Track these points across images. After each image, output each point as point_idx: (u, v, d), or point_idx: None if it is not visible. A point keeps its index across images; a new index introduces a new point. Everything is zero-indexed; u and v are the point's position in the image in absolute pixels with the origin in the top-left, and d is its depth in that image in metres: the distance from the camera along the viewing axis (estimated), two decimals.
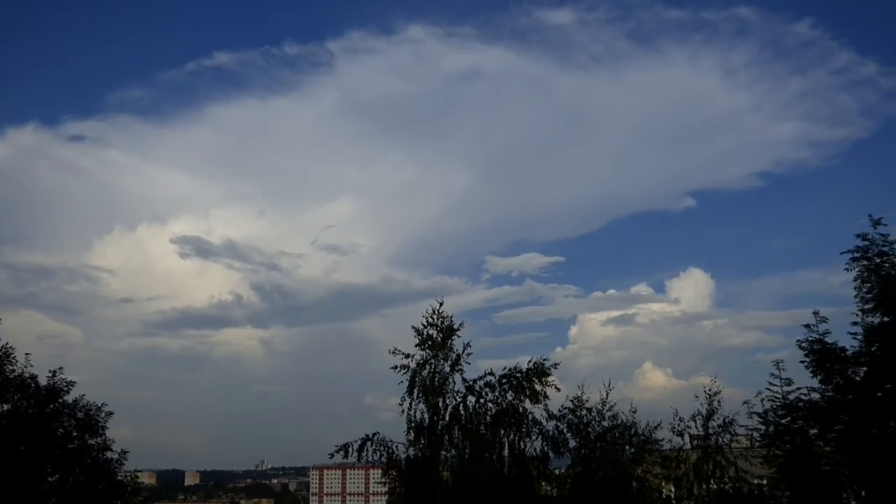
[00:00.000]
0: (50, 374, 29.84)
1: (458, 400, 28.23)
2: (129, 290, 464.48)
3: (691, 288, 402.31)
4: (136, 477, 33.95)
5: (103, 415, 30.42)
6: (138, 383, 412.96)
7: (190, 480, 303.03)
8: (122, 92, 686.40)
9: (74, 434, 29.95)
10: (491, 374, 28.44)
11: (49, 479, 29.54)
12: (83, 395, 30.59)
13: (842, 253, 22.73)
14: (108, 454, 30.61)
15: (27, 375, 29.44)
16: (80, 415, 30.03)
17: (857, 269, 22.32)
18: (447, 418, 28.08)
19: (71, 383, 30.22)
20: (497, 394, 28.17)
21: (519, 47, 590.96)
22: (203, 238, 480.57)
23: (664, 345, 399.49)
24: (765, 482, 24.77)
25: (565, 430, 28.08)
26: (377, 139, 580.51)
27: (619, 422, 28.15)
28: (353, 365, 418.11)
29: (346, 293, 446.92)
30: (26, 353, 29.82)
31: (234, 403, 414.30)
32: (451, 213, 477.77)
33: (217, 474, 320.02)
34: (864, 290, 21.96)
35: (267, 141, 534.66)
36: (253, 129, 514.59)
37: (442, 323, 28.59)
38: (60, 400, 29.82)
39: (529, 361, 28.33)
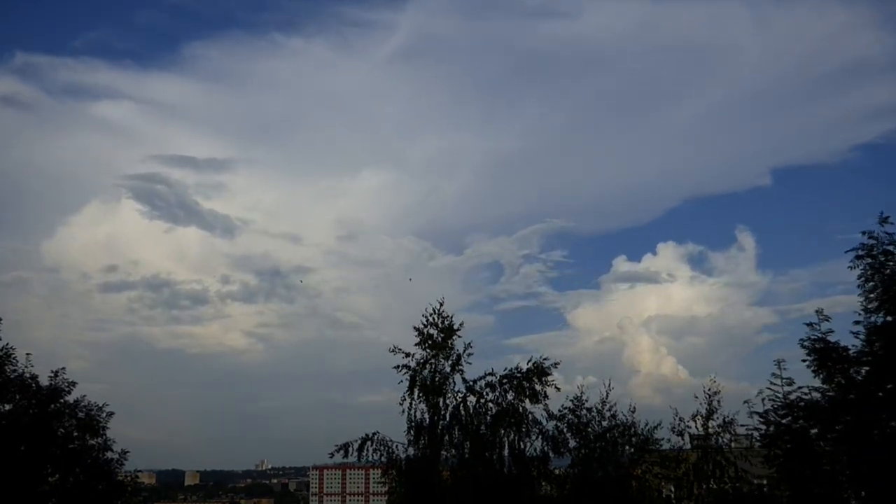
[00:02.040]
0: (52, 375, 29.83)
1: (459, 400, 28.42)
2: None
3: None
4: (136, 477, 34.16)
5: (104, 415, 30.31)
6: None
7: (190, 481, 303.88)
8: None
9: (75, 434, 29.89)
10: (491, 373, 28.60)
11: (49, 479, 29.45)
12: (84, 395, 30.51)
13: (846, 251, 22.36)
14: (109, 454, 30.50)
15: (28, 376, 29.34)
16: (80, 415, 29.90)
17: (861, 268, 21.84)
18: (447, 418, 28.24)
19: (72, 383, 30.19)
20: (497, 394, 28.30)
21: None
22: None
23: None
24: (765, 482, 24.71)
25: (565, 430, 28.13)
26: None
27: (618, 421, 28.18)
28: None
29: None
30: (27, 353, 29.80)
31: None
32: None
33: (217, 474, 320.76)
34: (868, 288, 21.67)
35: None
36: None
37: (442, 322, 28.75)
38: (62, 400, 29.74)
39: (529, 361, 28.47)
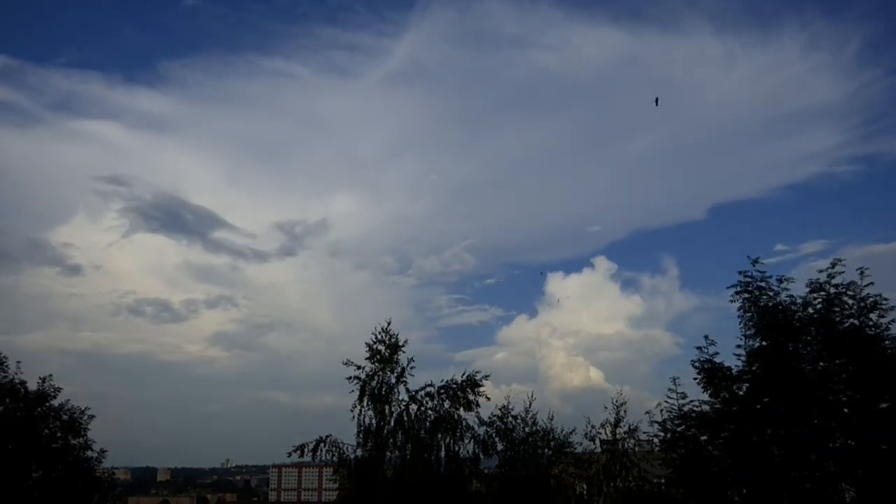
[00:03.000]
0: (40, 381, 31.01)
1: (402, 407, 29.44)
2: None
3: None
4: (113, 473, 35.34)
5: (85, 417, 31.53)
6: None
7: (161, 477, 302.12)
8: None
9: (58, 435, 30.93)
10: (431, 385, 29.77)
11: (33, 474, 30.42)
12: (68, 399, 31.62)
13: (727, 287, 23.67)
14: (89, 453, 31.62)
15: (17, 381, 30.56)
16: (64, 417, 31.10)
17: (740, 301, 23.20)
18: (392, 423, 29.15)
19: (58, 389, 31.24)
20: (436, 402, 29.46)
21: None
22: None
23: None
24: (663, 481, 25.98)
25: (494, 435, 29.39)
26: None
27: (539, 427, 29.44)
28: None
29: None
30: (17, 361, 31.10)
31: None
32: None
33: (186, 471, 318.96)
34: (746, 318, 23.03)
35: None
36: None
37: (389, 340, 29.83)
38: (48, 404, 30.85)
39: (463, 374, 29.72)
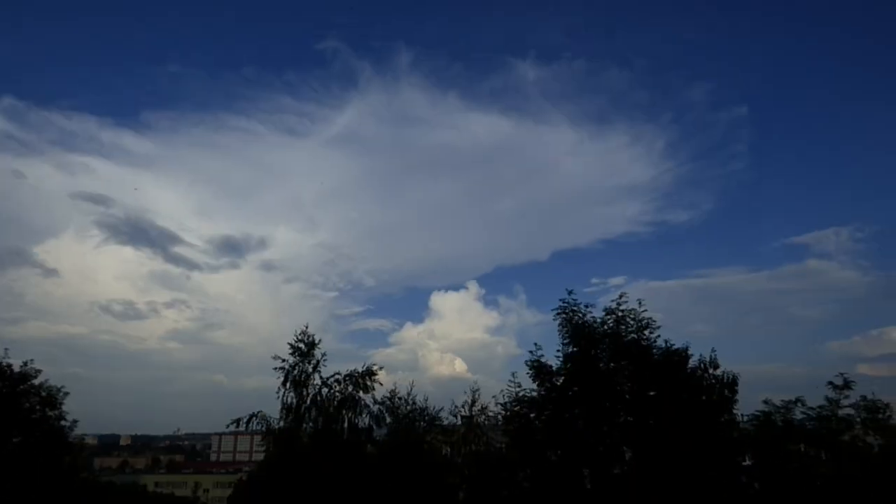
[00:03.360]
0: (23, 364, 29.70)
1: (316, 390, 28.73)
2: None
3: None
4: (83, 440, 34.00)
5: (61, 394, 30.43)
6: None
7: (123, 442, 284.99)
8: None
9: (37, 408, 29.77)
10: (338, 373, 29.22)
11: (14, 440, 29.30)
12: (47, 379, 30.50)
13: (551, 310, 24.37)
14: (63, 423, 30.57)
15: (4, 364, 29.27)
16: (43, 394, 29.93)
17: (559, 319, 24.04)
18: (308, 402, 28.49)
19: (38, 370, 30.07)
20: (342, 386, 28.90)
21: None
22: None
23: None
24: (503, 446, 26.29)
25: (384, 411, 29.23)
26: None
27: (417, 406, 29.54)
28: None
29: None
30: (6, 348, 29.77)
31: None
32: None
33: (144, 437, 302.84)
34: (563, 331, 23.85)
35: None
36: None
37: (307, 339, 29.42)
38: (29, 382, 29.66)
39: (363, 366, 29.37)
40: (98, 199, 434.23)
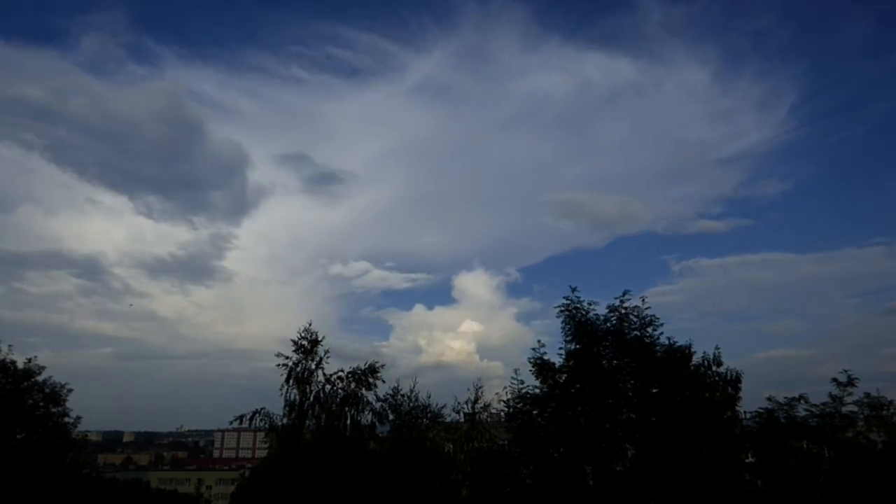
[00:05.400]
0: (26, 361, 29.68)
1: (319, 387, 28.80)
2: None
3: None
4: (86, 436, 33.92)
5: (65, 391, 30.37)
6: None
7: (127, 439, 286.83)
8: None
9: (41, 404, 29.73)
10: (341, 370, 29.27)
11: (17, 436, 29.22)
12: (51, 375, 30.43)
13: (554, 307, 24.18)
14: (66, 419, 30.48)
15: (8, 361, 29.28)
16: (46, 390, 29.87)
17: (562, 317, 24.09)
18: (311, 399, 28.53)
19: (42, 367, 29.97)
20: (345, 384, 28.96)
21: None
22: None
23: None
24: (506, 443, 25.82)
25: (387, 408, 29.14)
26: None
27: (420, 403, 29.37)
28: None
29: None
30: (9, 345, 29.75)
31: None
32: None
33: (147, 434, 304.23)
34: (566, 329, 23.73)
35: None
36: None
37: (310, 336, 29.45)
38: (33, 379, 29.59)
39: (366, 363, 29.44)
40: None
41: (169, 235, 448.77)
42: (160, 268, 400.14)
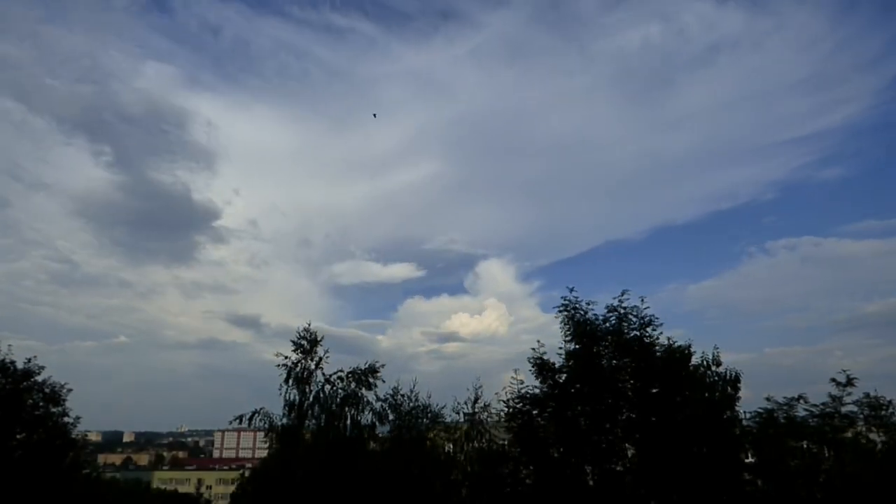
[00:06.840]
0: (26, 360, 29.60)
1: (319, 387, 28.65)
2: None
3: None
4: (86, 436, 33.76)
5: (65, 391, 30.29)
6: None
7: (127, 438, 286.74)
8: None
9: (41, 404, 29.62)
10: (341, 370, 29.09)
11: (17, 436, 29.07)
12: (50, 375, 30.35)
13: (554, 307, 24.17)
14: (66, 419, 30.38)
15: (8, 361, 29.18)
16: (46, 390, 29.78)
17: (561, 317, 23.91)
18: (311, 399, 28.35)
19: (41, 367, 29.88)
20: (345, 384, 28.80)
21: None
22: None
23: None
24: (506, 442, 25.79)
25: (387, 408, 28.98)
26: None
27: (419, 403, 29.20)
28: None
29: None
30: (9, 345, 29.69)
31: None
32: None
33: (147, 434, 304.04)
34: (566, 329, 23.76)
35: None
36: None
37: (309, 336, 29.31)
38: (33, 379, 29.49)
39: (366, 363, 29.31)
40: None
41: None
42: None
